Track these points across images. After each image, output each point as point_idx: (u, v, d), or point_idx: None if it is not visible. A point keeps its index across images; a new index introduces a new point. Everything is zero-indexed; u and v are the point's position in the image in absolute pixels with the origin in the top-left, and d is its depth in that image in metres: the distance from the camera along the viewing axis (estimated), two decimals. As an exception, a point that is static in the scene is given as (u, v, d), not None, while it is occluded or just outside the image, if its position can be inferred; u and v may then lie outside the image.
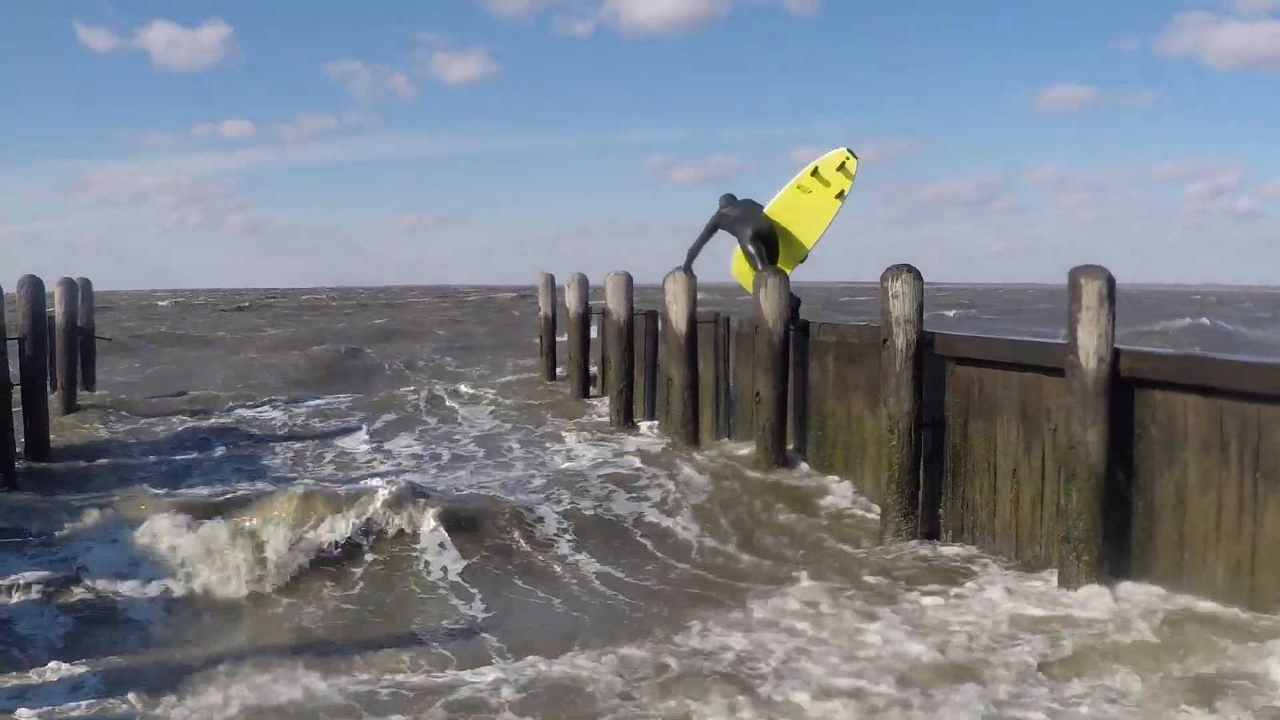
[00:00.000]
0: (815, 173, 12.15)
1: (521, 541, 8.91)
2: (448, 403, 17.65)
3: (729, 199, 12.28)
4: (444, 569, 8.33)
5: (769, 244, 11.92)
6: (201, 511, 8.66)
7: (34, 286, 12.71)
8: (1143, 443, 7.16)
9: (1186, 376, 6.90)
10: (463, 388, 19.25)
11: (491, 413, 16.70)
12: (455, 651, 6.73)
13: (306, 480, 11.21)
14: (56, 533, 8.60)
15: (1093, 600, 7.02)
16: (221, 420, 16.31)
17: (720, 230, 12.20)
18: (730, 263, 12.40)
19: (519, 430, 15.04)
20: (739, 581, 8.15)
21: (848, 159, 12.17)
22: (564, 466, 12.01)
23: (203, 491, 10.30)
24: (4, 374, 11.03)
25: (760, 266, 11.60)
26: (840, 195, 12.14)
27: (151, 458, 13.18)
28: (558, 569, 8.48)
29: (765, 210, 12.10)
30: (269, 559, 8.18)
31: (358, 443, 14.30)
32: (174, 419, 16.07)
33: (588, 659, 6.46)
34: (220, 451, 13.65)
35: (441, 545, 8.61)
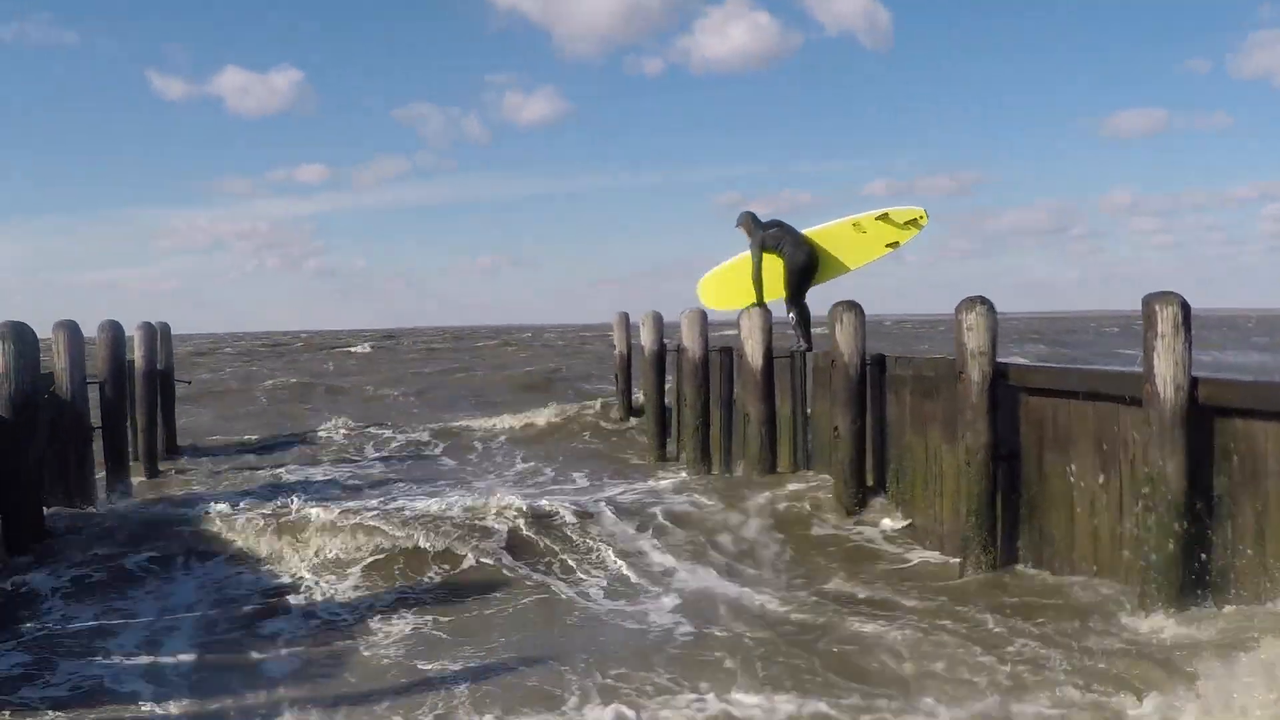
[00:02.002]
0: (884, 218, 12.38)
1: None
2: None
3: (753, 218, 12.58)
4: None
5: (808, 276, 12.27)
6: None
7: (114, 331, 13.14)
8: (1223, 472, 7.06)
9: (1267, 403, 6.80)
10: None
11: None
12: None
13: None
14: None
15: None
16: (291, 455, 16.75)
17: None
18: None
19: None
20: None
21: (921, 217, 12.54)
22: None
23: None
24: (85, 418, 11.27)
25: (761, 299, 12.26)
26: (892, 245, 12.40)
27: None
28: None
29: (806, 235, 12.41)
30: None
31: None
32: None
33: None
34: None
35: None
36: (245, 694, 6.58)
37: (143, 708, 6.38)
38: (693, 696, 6.42)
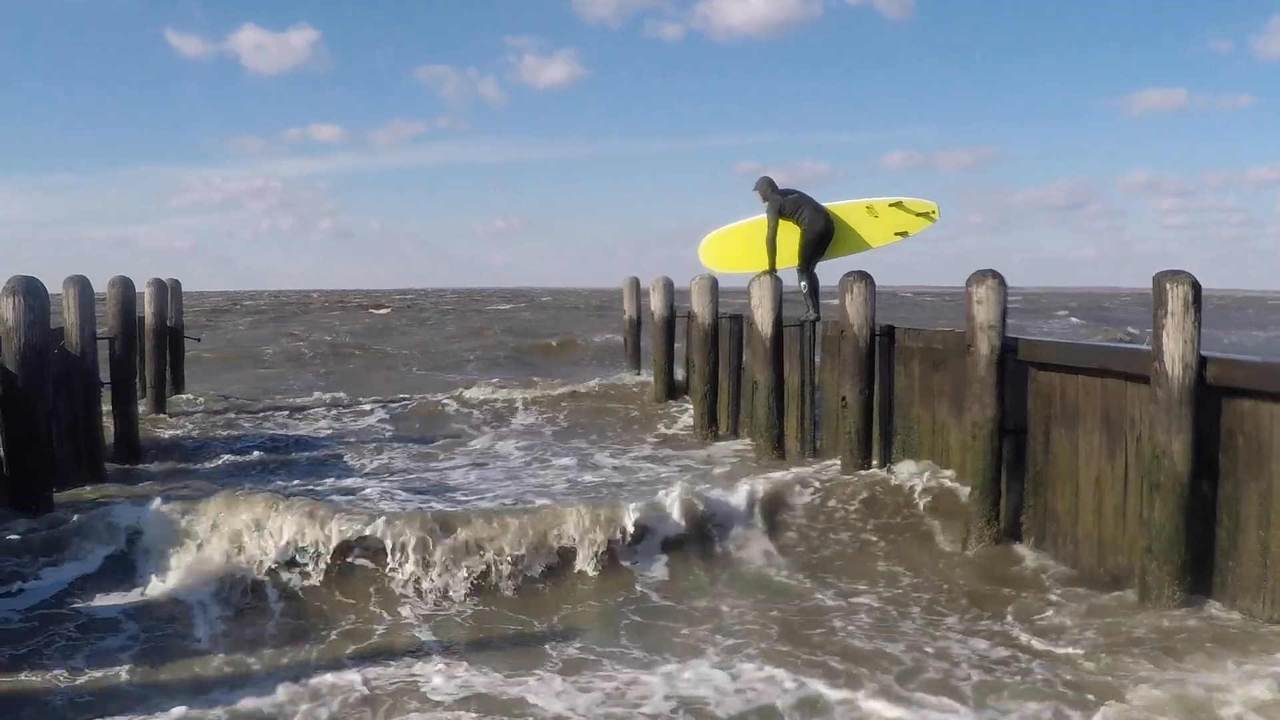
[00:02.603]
0: (899, 205, 12.51)
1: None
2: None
3: (771, 184, 12.57)
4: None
5: (824, 244, 12.29)
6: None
7: (124, 287, 13.11)
8: (1229, 452, 7.04)
9: (1276, 384, 6.77)
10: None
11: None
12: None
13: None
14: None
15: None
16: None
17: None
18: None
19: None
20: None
21: (933, 211, 12.85)
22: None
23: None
24: (94, 373, 11.23)
25: (773, 266, 12.28)
26: (902, 234, 12.67)
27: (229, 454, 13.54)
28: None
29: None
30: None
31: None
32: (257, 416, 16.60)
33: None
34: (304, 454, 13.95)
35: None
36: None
37: None
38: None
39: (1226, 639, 6.53)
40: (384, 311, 64.75)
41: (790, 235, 12.64)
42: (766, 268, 12.51)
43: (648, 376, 18.03)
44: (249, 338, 39.38)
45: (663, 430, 15.37)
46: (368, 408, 17.79)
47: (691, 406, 15.40)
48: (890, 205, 12.74)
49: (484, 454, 13.75)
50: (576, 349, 31.62)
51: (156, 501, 8.55)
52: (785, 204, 12.56)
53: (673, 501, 9.00)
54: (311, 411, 17.54)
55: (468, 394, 18.22)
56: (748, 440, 13.29)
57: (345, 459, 13.27)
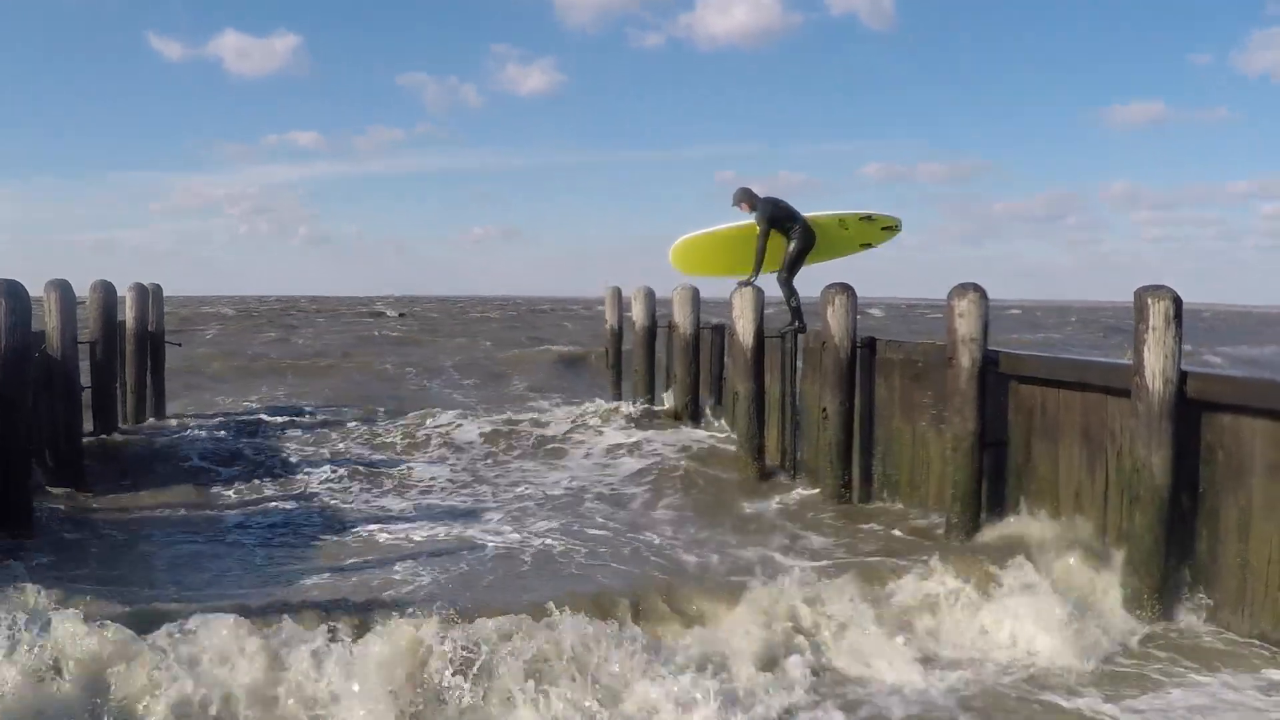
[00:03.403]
0: (868, 219, 13.02)
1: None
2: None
3: (751, 193, 12.65)
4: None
5: (805, 256, 12.46)
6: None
7: (106, 291, 13.01)
8: (1209, 466, 7.12)
9: (1255, 400, 6.85)
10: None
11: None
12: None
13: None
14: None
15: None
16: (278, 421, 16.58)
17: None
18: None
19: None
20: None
21: (896, 226, 13.44)
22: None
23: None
24: (75, 377, 11.15)
25: (757, 274, 12.30)
26: (866, 245, 13.35)
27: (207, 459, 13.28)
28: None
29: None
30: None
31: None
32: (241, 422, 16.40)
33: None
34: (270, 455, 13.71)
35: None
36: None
37: None
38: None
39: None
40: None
41: (775, 245, 12.66)
42: (738, 274, 12.52)
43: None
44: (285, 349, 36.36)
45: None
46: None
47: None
48: (860, 219, 13.15)
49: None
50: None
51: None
52: (778, 213, 12.54)
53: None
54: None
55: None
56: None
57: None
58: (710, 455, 13.08)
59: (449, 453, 14.00)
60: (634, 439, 14.10)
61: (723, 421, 14.47)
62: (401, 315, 68.34)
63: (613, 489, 11.83)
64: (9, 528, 8.71)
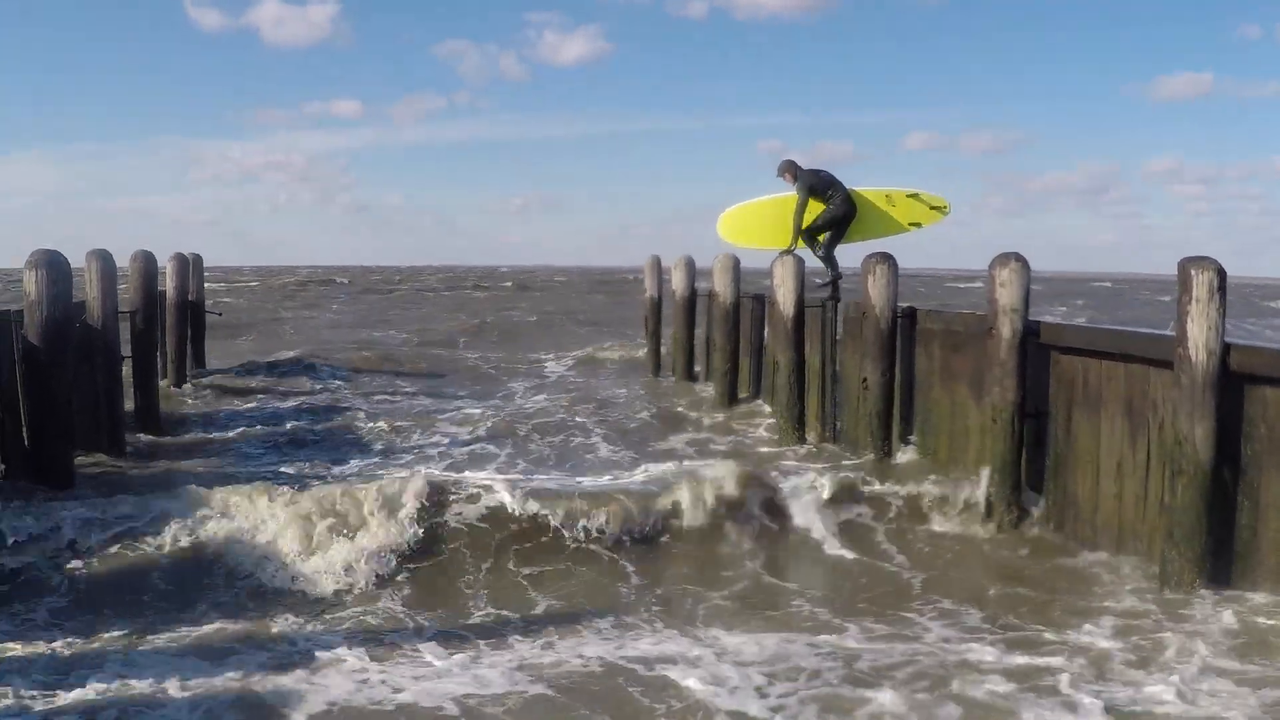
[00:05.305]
0: (915, 197, 12.80)
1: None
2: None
3: (796, 165, 12.57)
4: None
5: (844, 227, 12.35)
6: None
7: (146, 261, 13.11)
8: (1251, 440, 6.98)
9: (1300, 372, 6.71)
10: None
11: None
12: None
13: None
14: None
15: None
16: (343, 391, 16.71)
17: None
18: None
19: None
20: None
21: (945, 207, 13.12)
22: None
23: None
24: (115, 347, 11.23)
25: (795, 244, 12.34)
26: (915, 224, 13.06)
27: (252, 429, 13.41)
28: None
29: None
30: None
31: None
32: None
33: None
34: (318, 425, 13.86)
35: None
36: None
37: None
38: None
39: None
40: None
41: (813, 212, 12.59)
42: (784, 245, 12.47)
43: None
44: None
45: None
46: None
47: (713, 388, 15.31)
48: (907, 196, 12.97)
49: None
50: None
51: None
52: (817, 183, 12.50)
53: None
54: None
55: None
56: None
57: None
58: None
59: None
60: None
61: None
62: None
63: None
64: (51, 482, 9.02)
